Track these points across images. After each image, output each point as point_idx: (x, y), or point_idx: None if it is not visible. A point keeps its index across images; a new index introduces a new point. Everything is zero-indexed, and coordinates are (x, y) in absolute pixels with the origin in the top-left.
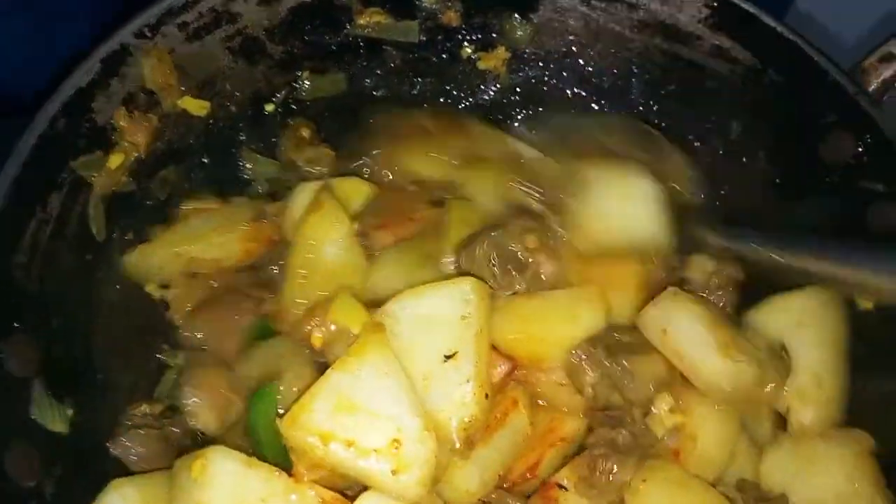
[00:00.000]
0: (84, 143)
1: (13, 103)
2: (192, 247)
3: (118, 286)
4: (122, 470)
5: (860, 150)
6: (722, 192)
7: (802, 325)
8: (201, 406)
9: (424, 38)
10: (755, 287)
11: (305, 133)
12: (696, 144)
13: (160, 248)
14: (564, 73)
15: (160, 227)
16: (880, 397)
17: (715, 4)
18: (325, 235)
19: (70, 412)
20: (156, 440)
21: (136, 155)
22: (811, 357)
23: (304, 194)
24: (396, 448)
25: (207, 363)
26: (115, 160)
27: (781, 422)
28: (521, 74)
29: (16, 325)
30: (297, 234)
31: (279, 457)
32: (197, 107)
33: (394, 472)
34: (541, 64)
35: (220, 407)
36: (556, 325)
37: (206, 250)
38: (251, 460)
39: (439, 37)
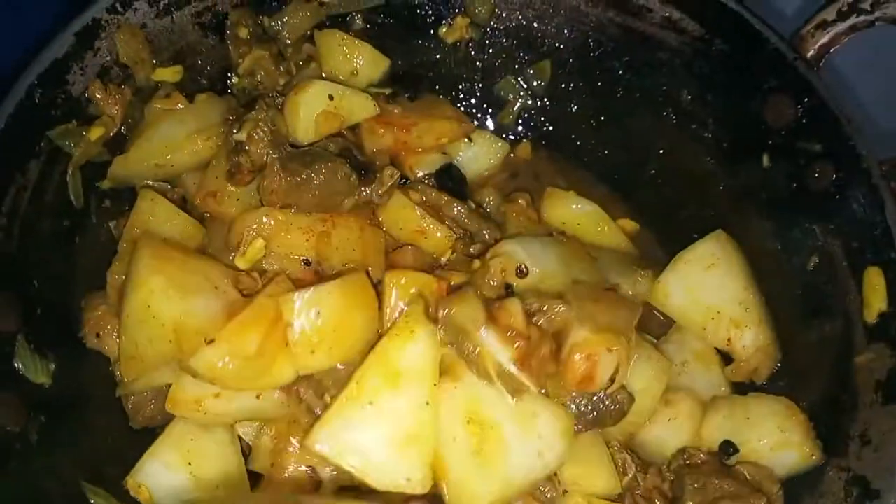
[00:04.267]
0: (60, 113)
1: None
2: (171, 156)
3: (96, 251)
4: (104, 421)
5: (799, 112)
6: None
7: (713, 266)
8: None
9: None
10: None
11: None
12: (648, 115)
13: (140, 162)
14: (524, 47)
15: (134, 130)
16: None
17: None
18: None
19: (52, 366)
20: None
21: (115, 129)
22: (730, 289)
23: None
24: None
25: None
26: (95, 132)
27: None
28: (481, 48)
29: None
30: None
31: None
32: (171, 74)
33: None
34: (504, 41)
35: None
36: None
37: (183, 158)
38: None
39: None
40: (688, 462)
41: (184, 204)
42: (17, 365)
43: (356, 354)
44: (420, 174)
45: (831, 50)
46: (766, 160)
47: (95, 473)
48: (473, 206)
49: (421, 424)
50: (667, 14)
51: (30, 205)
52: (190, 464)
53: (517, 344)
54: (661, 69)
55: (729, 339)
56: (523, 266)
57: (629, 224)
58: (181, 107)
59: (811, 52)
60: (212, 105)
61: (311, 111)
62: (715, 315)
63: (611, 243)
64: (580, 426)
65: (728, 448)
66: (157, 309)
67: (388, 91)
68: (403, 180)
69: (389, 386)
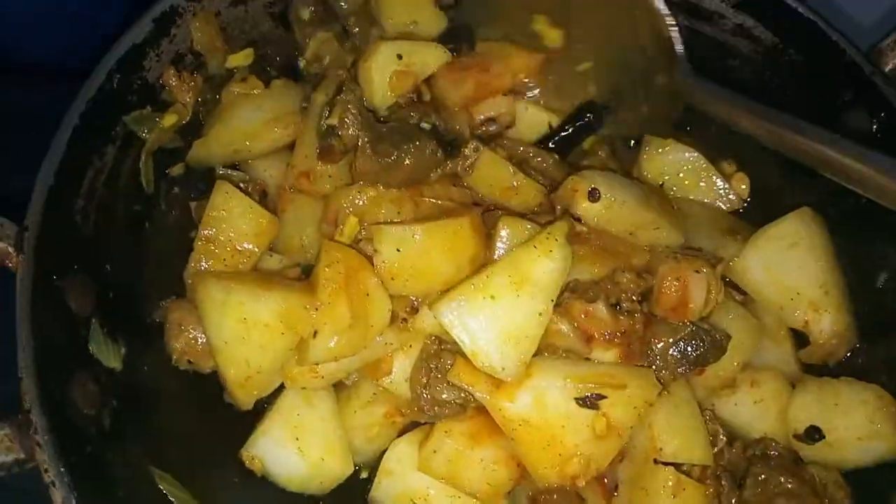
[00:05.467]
0: (135, 99)
1: (59, 70)
2: (249, 142)
3: (164, 238)
4: (171, 406)
5: (874, 127)
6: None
7: (795, 245)
8: None
9: None
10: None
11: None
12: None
13: (219, 146)
14: None
15: (211, 114)
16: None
17: None
18: None
19: (123, 351)
20: None
21: (188, 116)
22: (812, 270)
23: (380, 55)
24: None
25: None
26: (168, 119)
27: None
28: None
29: (75, 266)
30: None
31: None
32: (243, 58)
33: None
34: None
35: None
36: None
37: (261, 145)
38: None
39: None
40: (763, 452)
41: (263, 198)
42: (92, 348)
43: (434, 291)
44: (482, 117)
45: None
46: None
47: (162, 458)
48: (557, 156)
49: (529, 329)
50: (740, 21)
51: (105, 189)
52: (297, 438)
53: (617, 341)
54: (731, 76)
55: (807, 322)
56: (596, 190)
57: (732, 167)
58: (257, 92)
59: (889, 66)
60: (288, 91)
61: (383, 74)
62: (794, 296)
63: (712, 198)
64: (685, 367)
65: (814, 434)
66: (255, 314)
67: (450, 46)
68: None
69: (513, 289)
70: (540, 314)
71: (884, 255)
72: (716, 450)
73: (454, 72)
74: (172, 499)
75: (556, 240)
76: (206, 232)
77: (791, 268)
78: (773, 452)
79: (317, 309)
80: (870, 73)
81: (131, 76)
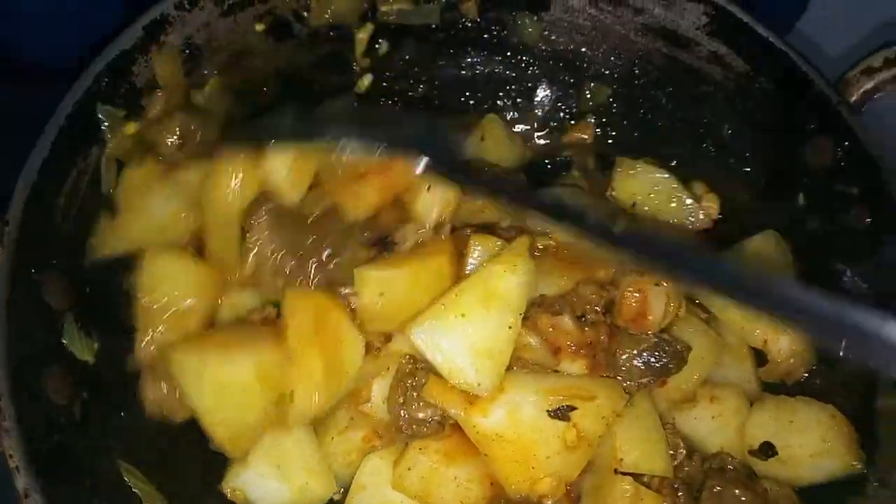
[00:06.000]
0: (122, 103)
1: (59, 70)
2: (166, 233)
3: None
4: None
5: (839, 155)
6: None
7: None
8: None
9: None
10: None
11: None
12: (688, 144)
13: (138, 238)
14: (569, 70)
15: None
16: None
17: (714, 13)
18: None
19: (96, 346)
20: None
21: (146, 131)
22: None
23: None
24: None
25: None
26: (130, 127)
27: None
28: (530, 70)
29: (53, 261)
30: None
31: None
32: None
33: None
34: (549, 62)
35: None
36: None
37: (179, 230)
38: None
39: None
40: (720, 466)
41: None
42: (65, 341)
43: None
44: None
45: (875, 96)
46: (801, 199)
47: (130, 452)
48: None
49: (500, 343)
50: (714, 49)
51: (88, 189)
52: (279, 466)
53: (584, 353)
54: (704, 101)
55: (766, 341)
56: None
57: (703, 188)
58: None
59: (855, 97)
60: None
61: (281, 174)
62: (755, 315)
63: (682, 218)
64: (649, 378)
65: (767, 450)
66: (231, 377)
67: None
68: None
69: (482, 305)
70: (510, 327)
71: (844, 282)
72: (676, 462)
73: (346, 184)
74: (137, 491)
75: (519, 254)
76: (144, 300)
77: None
78: (729, 467)
79: (289, 359)
80: (836, 103)
81: (119, 81)
